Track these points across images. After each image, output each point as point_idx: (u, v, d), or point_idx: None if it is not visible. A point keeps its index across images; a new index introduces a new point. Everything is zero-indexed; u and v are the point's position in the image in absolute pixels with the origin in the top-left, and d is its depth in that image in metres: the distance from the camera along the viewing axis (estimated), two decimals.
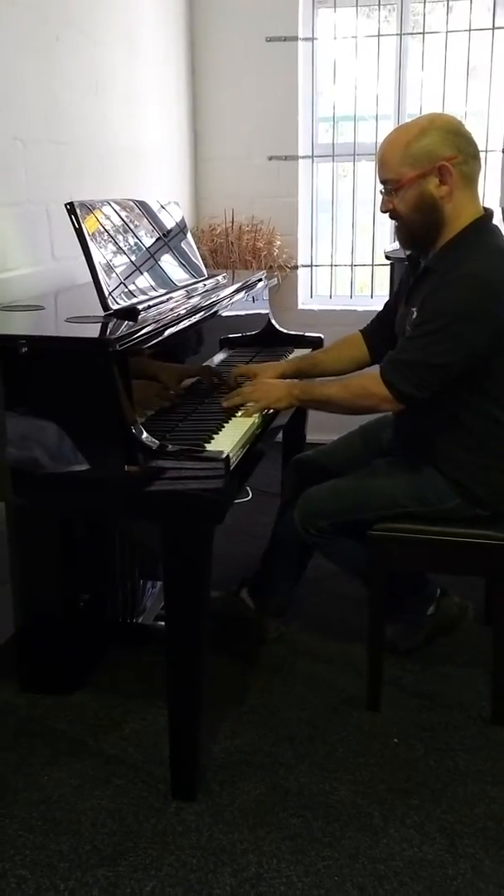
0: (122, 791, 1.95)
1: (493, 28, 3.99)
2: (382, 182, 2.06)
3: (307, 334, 3.15)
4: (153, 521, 1.81)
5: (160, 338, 1.91)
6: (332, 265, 4.44)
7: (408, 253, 2.23)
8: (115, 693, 2.32)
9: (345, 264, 4.43)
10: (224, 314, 2.57)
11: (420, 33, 4.09)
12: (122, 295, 2.07)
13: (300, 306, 4.42)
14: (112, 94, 3.30)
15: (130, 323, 1.91)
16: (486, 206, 2.08)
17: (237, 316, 2.85)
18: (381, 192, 2.08)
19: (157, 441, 1.73)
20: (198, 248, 2.83)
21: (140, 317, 1.99)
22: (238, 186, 4.32)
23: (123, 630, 2.59)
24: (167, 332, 1.96)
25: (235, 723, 2.20)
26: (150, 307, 2.09)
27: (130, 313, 1.98)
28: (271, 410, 2.21)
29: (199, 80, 4.27)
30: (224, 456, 1.71)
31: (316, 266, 4.48)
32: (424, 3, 4.03)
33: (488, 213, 2.07)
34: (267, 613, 2.57)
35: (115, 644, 2.52)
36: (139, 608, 2.70)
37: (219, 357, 2.70)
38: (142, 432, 1.73)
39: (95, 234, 2.08)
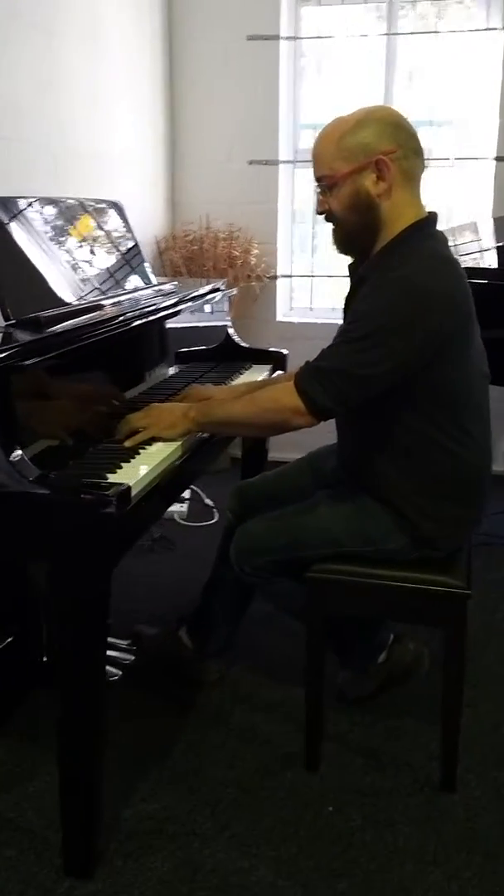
0: (10, 864, 1.72)
1: (487, 29, 3.77)
2: (317, 180, 1.83)
3: (270, 349, 2.92)
4: (35, 560, 1.59)
5: (59, 351, 1.69)
6: (311, 276, 4.21)
7: (349, 263, 1.99)
8: (30, 743, 2.08)
9: (325, 275, 4.20)
10: (173, 326, 2.36)
11: (409, 34, 3.88)
12: (31, 302, 1.86)
13: (279, 318, 4.20)
14: (70, 90, 3.10)
15: (25, 335, 1.69)
16: (431, 210, 1.85)
17: (189, 328, 2.63)
18: (315, 191, 1.86)
19: (38, 470, 1.50)
20: (171, 255, 2.61)
21: (51, 329, 1.78)
22: (217, 191, 4.12)
23: (47, 671, 2.36)
24: (72, 346, 1.74)
25: (155, 782, 1.97)
26: (62, 317, 1.88)
27: (34, 324, 1.77)
28: (203, 434, 1.99)
29: (176, 79, 4.07)
30: (120, 490, 1.48)
31: (295, 277, 4.26)
32: (414, 2, 3.82)
33: (431, 217, 1.83)
34: (206, 655, 2.34)
35: (39, 685, 2.29)
36: None
37: (170, 371, 2.48)
38: (21, 458, 1.50)
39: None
